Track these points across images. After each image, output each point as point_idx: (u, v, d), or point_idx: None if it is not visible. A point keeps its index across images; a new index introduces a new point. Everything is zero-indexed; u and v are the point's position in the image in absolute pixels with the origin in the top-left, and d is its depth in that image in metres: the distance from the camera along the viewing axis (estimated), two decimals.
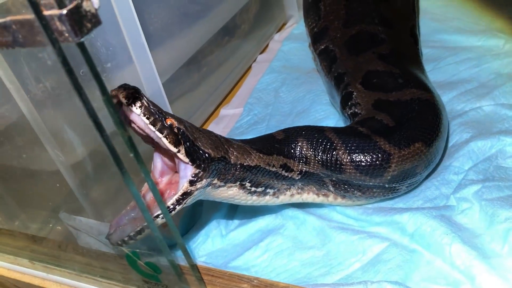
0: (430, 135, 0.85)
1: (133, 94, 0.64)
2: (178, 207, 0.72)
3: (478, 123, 0.99)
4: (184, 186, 0.71)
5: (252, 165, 0.78)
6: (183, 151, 0.69)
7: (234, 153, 0.77)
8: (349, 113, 0.99)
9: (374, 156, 0.81)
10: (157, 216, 0.69)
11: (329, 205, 0.90)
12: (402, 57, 1.03)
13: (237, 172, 0.77)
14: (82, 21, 0.40)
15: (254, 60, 1.52)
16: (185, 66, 1.23)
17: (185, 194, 0.71)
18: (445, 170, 0.91)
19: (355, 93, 0.99)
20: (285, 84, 1.34)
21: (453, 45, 1.25)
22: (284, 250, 0.84)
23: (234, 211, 0.94)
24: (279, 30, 1.65)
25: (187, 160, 0.69)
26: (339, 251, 0.81)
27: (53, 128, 0.84)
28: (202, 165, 0.71)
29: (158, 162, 0.77)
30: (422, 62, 1.09)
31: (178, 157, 0.69)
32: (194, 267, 0.57)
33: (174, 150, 0.68)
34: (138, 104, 0.64)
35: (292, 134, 0.86)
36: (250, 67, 1.50)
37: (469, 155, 0.92)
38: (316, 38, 1.17)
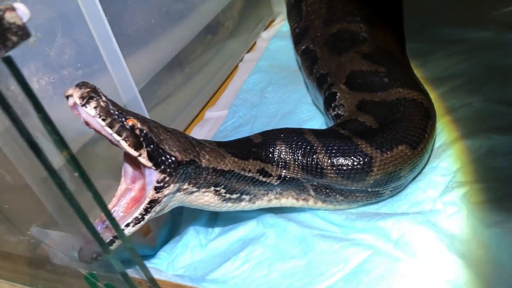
0: (415, 137, 0.81)
1: (89, 93, 0.61)
2: (146, 217, 0.69)
3: (468, 121, 0.95)
4: (149, 193, 0.68)
5: (226, 169, 0.74)
6: (145, 154, 0.65)
7: (206, 156, 0.73)
8: (332, 114, 0.95)
9: (355, 159, 0.78)
10: (115, 238, 0.65)
11: (310, 210, 0.86)
12: (387, 55, 0.99)
13: (209, 177, 0.73)
14: (5, 34, 0.37)
15: (241, 60, 1.48)
16: (167, 67, 1.19)
17: (152, 202, 0.68)
18: (432, 171, 0.87)
19: (338, 94, 0.95)
20: (271, 84, 1.30)
21: (442, 39, 1.21)
22: (264, 260, 0.81)
23: (214, 220, 0.91)
24: (267, 27, 1.61)
25: (150, 164, 0.66)
26: (321, 260, 0.77)
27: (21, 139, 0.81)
28: (168, 170, 0.67)
29: (129, 167, 0.73)
30: (408, 59, 1.05)
31: (140, 162, 0.66)
32: (153, 281, 0.53)
33: (135, 154, 0.64)
34: (93, 104, 0.61)
35: (270, 137, 0.82)
36: (237, 66, 1.46)
37: (458, 155, 0.88)
38: (297, 38, 1.13)
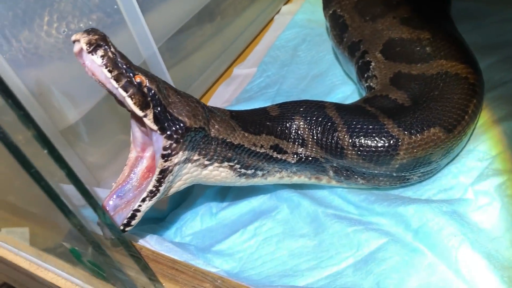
0: (452, 118, 0.72)
1: (97, 40, 0.56)
2: (161, 188, 0.64)
3: None
4: (159, 162, 0.63)
5: (235, 143, 0.69)
6: (151, 116, 0.60)
7: (216, 126, 0.68)
8: (365, 86, 0.87)
9: (379, 141, 0.71)
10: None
11: (328, 187, 0.81)
12: (429, 19, 0.87)
13: (219, 149, 0.68)
14: None
15: (278, 12, 1.39)
16: (196, 17, 1.12)
17: (163, 172, 0.64)
18: (467, 155, 0.78)
19: (373, 64, 0.86)
20: (306, 41, 1.22)
21: None
22: (273, 236, 0.77)
23: (227, 188, 0.87)
24: None
25: (155, 127, 0.61)
26: (332, 243, 0.73)
27: (36, 91, 0.79)
28: (175, 136, 0.62)
29: (137, 132, 0.68)
30: (453, 22, 0.92)
31: (145, 124, 0.61)
32: (141, 262, 0.51)
33: (140, 114, 0.60)
34: (100, 52, 0.56)
35: (288, 111, 0.76)
36: (272, 19, 1.37)
37: (500, 137, 0.79)
38: (326, 1, 1.02)
